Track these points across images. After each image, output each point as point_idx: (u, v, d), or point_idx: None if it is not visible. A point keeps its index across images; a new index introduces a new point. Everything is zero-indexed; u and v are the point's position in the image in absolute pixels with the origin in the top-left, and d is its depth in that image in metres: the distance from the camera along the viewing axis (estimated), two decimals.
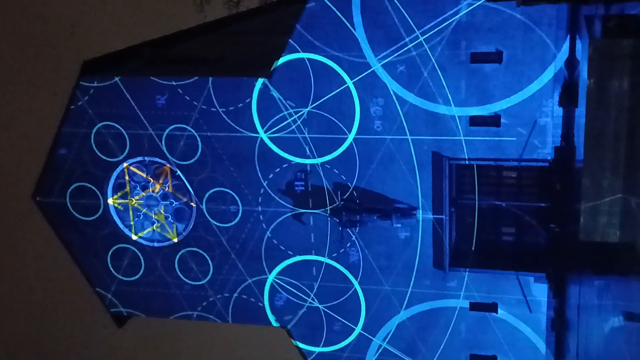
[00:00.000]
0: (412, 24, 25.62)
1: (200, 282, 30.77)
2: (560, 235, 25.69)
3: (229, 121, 28.13)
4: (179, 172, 29.37)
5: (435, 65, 25.82)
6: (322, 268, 29.24)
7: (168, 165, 29.36)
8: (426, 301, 28.51)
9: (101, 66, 29.70)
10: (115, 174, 29.96)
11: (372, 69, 26.46)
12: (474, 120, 26.11)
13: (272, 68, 27.31)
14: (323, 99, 27.19)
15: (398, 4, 25.57)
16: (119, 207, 30.49)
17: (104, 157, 29.79)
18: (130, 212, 30.46)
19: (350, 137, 27.36)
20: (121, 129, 29.18)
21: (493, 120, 25.92)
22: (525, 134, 25.67)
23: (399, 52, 26.05)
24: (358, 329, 29.60)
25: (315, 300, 29.71)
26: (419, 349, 29.12)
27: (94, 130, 29.42)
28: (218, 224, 29.73)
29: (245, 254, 29.83)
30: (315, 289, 29.60)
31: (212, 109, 28.14)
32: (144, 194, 30.13)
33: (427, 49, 25.73)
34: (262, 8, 33.16)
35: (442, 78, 25.90)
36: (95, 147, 29.68)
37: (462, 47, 25.49)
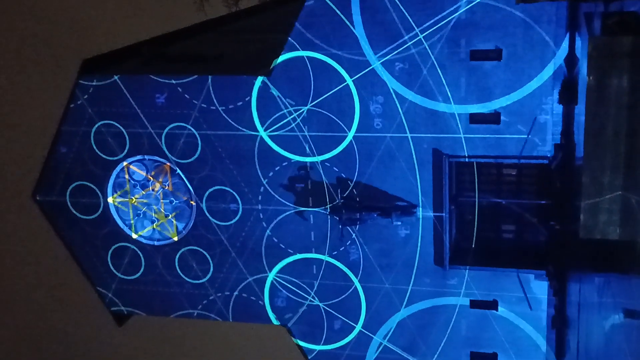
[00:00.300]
0: (411, 22, 25.62)
1: (201, 281, 30.79)
2: (560, 233, 25.70)
3: (228, 119, 28.13)
4: (178, 171, 29.37)
5: (435, 63, 25.81)
6: (323, 266, 29.25)
7: (168, 163, 29.37)
8: (426, 299, 28.52)
9: (101, 65, 29.69)
10: (115, 172, 29.96)
11: (371, 67, 26.45)
12: (474, 118, 26.11)
13: (271, 66, 27.30)
14: (323, 97, 27.18)
15: (397, 2, 25.56)
16: (119, 205, 30.50)
17: (104, 156, 29.79)
18: (130, 211, 30.47)
19: (350, 135, 27.36)
20: (121, 127, 29.18)
21: (493, 118, 25.92)
22: (525, 131, 25.67)
23: (399, 50, 26.04)
24: (358, 327, 29.62)
25: (316, 298, 29.74)
26: (420, 346, 29.15)
27: (94, 129, 29.42)
28: (218, 223, 29.74)
29: (245, 252, 29.85)
30: (315, 287, 29.62)
31: (211, 108, 28.14)
32: (143, 192, 30.14)
33: (427, 47, 25.73)
34: (261, 6, 33.22)
35: (441, 76, 25.90)
36: (95, 146, 29.67)
37: (462, 45, 25.48)
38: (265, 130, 28.00)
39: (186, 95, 28.20)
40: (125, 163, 29.76)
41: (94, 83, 28.81)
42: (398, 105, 26.62)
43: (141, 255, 31.07)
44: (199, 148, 28.78)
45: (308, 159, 28.07)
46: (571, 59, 24.35)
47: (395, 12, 25.67)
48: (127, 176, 29.98)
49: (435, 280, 28.19)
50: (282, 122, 27.76)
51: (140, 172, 29.81)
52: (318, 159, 27.97)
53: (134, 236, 30.82)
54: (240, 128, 28.18)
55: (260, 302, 30.41)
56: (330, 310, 29.77)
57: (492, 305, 27.83)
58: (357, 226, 28.38)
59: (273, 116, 27.78)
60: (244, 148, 28.42)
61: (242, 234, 29.65)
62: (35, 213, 31.28)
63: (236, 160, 28.66)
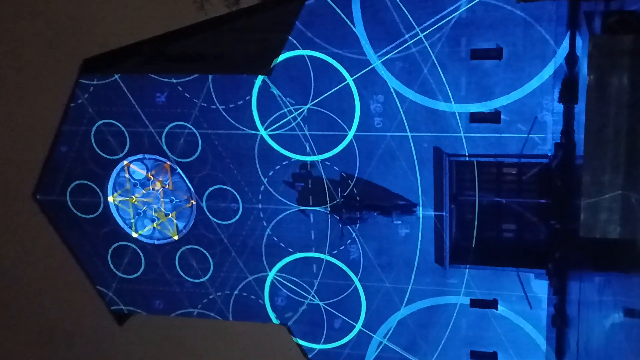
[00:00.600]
0: (412, 21, 25.62)
1: (201, 280, 30.80)
2: (560, 232, 25.69)
3: (229, 118, 28.13)
4: (179, 170, 29.38)
5: (435, 61, 25.81)
6: (323, 265, 29.26)
7: (168, 162, 29.37)
8: (426, 298, 28.53)
9: (101, 64, 29.69)
10: (115, 171, 29.97)
11: (372, 66, 26.45)
12: (474, 117, 26.12)
13: (272, 65, 27.31)
14: (323, 96, 27.19)
15: (398, 1, 25.56)
16: (120, 204, 30.50)
17: (104, 155, 29.79)
18: (131, 210, 30.47)
19: (351, 134, 27.36)
20: (121, 126, 29.18)
21: (493, 117, 25.93)
22: (525, 130, 25.67)
23: (399, 49, 26.04)
24: (358, 326, 29.62)
25: (316, 297, 29.74)
26: (420, 345, 29.15)
27: (94, 128, 29.42)
28: (218, 222, 29.74)
29: (245, 251, 29.86)
30: (315, 286, 29.62)
31: (212, 107, 28.14)
32: (144, 191, 30.14)
33: (427, 46, 25.73)
34: (261, 5, 33.15)
35: (442, 75, 25.90)
36: (96, 145, 29.68)
37: (462, 44, 25.48)
38: (265, 129, 28.00)
39: (186, 95, 28.20)
40: (125, 162, 29.76)
41: (94, 82, 28.81)
42: (398, 104, 26.62)
43: (141, 254, 31.08)
44: (199, 147, 28.78)
45: (308, 158, 28.07)
46: (572, 58, 24.36)
47: (395, 11, 25.67)
48: (127, 175, 29.98)
49: (436, 279, 28.20)
50: (282, 121, 27.77)
51: (140, 171, 29.82)
52: (318, 158, 27.97)
53: (134, 235, 30.83)
54: (241, 127, 28.18)
55: (260, 301, 30.42)
56: (331, 309, 29.77)
57: (492, 304, 27.84)
58: (358, 225, 28.39)
59: (273, 115, 27.78)
60: (245, 147, 28.42)
61: (242, 233, 29.66)
62: (35, 212, 31.30)
63: (236, 159, 28.67)
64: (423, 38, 25.69)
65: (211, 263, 30.41)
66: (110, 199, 30.46)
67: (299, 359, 31.54)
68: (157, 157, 29.38)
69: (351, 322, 29.69)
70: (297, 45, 26.88)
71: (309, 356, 30.73)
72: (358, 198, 28.02)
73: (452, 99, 26.06)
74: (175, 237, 30.48)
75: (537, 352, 27.92)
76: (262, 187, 28.80)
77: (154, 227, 30.59)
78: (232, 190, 29.14)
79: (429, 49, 25.73)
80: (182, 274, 30.92)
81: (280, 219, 29.09)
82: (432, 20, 25.45)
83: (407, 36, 25.83)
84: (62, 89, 30.22)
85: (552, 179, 25.80)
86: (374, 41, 26.18)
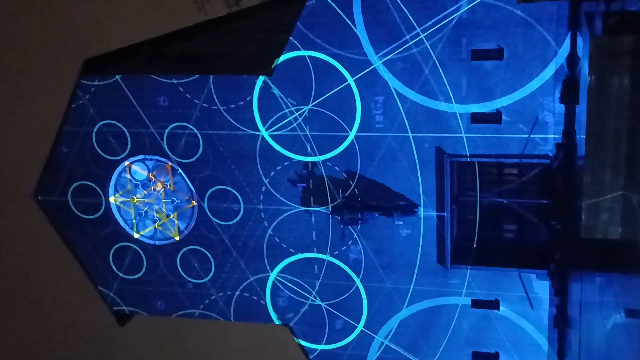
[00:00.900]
0: (412, 21, 25.61)
1: (202, 280, 30.80)
2: (561, 232, 25.68)
3: (230, 119, 28.14)
4: (180, 171, 29.39)
5: (436, 62, 25.81)
6: (324, 266, 29.26)
7: (169, 163, 29.38)
8: (428, 298, 28.52)
9: (102, 65, 29.71)
10: (116, 172, 29.98)
11: (373, 67, 26.45)
12: (475, 118, 26.11)
13: (273, 66, 27.31)
14: (324, 97, 27.19)
15: (399, 2, 25.56)
16: (121, 205, 30.52)
17: (106, 156, 29.81)
18: (132, 211, 30.49)
19: (352, 134, 27.36)
20: (122, 127, 29.20)
21: (494, 117, 25.92)
22: (526, 131, 25.66)
23: (400, 50, 26.04)
24: (360, 327, 29.62)
25: (317, 298, 29.74)
26: (421, 346, 29.15)
27: (95, 129, 29.43)
28: (220, 222, 29.75)
29: (247, 252, 29.86)
30: (317, 286, 29.63)
31: (213, 107, 28.15)
32: (145, 192, 30.16)
33: (428, 46, 25.72)
34: (262, 6, 33.20)
35: (443, 75, 25.89)
36: (97, 146, 29.70)
37: (463, 44, 25.48)
38: (266, 129, 28.01)
39: (187, 95, 28.21)
40: (126, 163, 29.77)
41: (95, 83, 28.83)
42: (399, 105, 26.61)
43: (143, 255, 31.10)
44: (201, 148, 28.79)
45: (309, 159, 28.07)
46: (572, 59, 24.34)
47: (396, 12, 25.67)
48: (128, 176, 30.00)
49: (437, 279, 28.19)
50: (283, 122, 27.77)
51: (141, 172, 29.84)
52: (319, 158, 27.97)
53: (136, 236, 30.84)
54: (242, 128, 28.19)
55: (262, 301, 30.43)
56: (332, 310, 29.77)
57: (494, 304, 27.83)
58: (359, 226, 28.38)
59: (274, 116, 27.79)
60: (246, 148, 28.43)
61: (243, 233, 29.66)
62: (36, 213, 31.31)
63: (238, 160, 28.68)
64: (424, 38, 25.69)
65: (212, 264, 30.41)
66: (111, 199, 30.47)
67: (301, 359, 31.56)
68: (159, 157, 29.39)
69: (353, 322, 29.69)
70: (298, 45, 26.89)
71: (311, 357, 30.74)
72: (359, 198, 28.02)
73: (453, 100, 26.05)
74: (177, 238, 30.49)
75: (538, 352, 27.90)
76: (264, 187, 28.81)
77: (155, 228, 30.60)
78: (233, 190, 29.15)
79: (430, 50, 25.73)
80: (183, 274, 30.93)
81: (282, 219, 29.10)
82: (433, 20, 25.44)
83: (408, 37, 25.83)
84: (63, 90, 30.25)
85: (553, 180, 25.79)
86: (375, 42, 26.18)
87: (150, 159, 29.55)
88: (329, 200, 28.36)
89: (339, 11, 26.20)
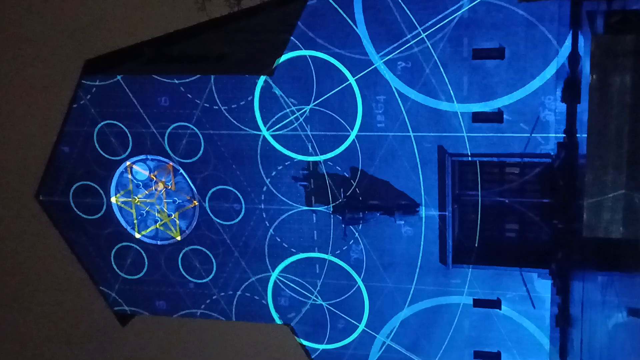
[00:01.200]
0: (414, 21, 25.61)
1: (204, 280, 30.81)
2: (563, 232, 25.68)
3: (231, 119, 28.14)
4: (181, 171, 29.39)
5: (438, 61, 25.80)
6: (325, 265, 29.26)
7: (171, 163, 29.39)
8: (429, 298, 28.52)
9: (103, 65, 29.72)
10: (118, 172, 29.99)
11: (374, 66, 26.44)
12: (477, 117, 26.10)
13: (274, 66, 27.31)
14: (325, 97, 27.18)
15: (400, 1, 25.55)
16: (122, 205, 30.52)
17: (107, 156, 29.82)
18: (133, 211, 30.49)
19: (353, 134, 27.35)
20: (124, 127, 29.21)
21: (495, 117, 25.90)
22: (528, 130, 25.65)
23: (401, 49, 26.04)
24: (361, 326, 29.62)
25: (319, 297, 29.74)
26: (423, 345, 29.15)
27: (97, 129, 29.45)
28: (221, 222, 29.76)
29: (248, 251, 29.87)
30: (318, 286, 29.63)
31: (214, 107, 28.15)
32: (146, 192, 30.17)
33: (429, 46, 25.72)
34: (263, 5, 33.17)
35: (444, 74, 25.88)
36: (98, 146, 29.71)
37: (464, 44, 25.47)
38: (267, 129, 28.01)
39: (189, 95, 28.22)
40: (128, 163, 29.78)
41: (96, 83, 28.84)
42: (400, 104, 26.61)
43: (144, 255, 31.11)
44: (202, 148, 28.80)
45: (311, 158, 28.07)
46: (574, 58, 24.33)
47: (397, 11, 25.66)
48: (130, 176, 30.01)
49: (439, 279, 28.19)
50: (284, 122, 27.78)
51: (143, 172, 29.84)
52: (321, 158, 27.97)
53: (137, 236, 30.85)
54: (243, 127, 28.19)
55: (263, 301, 30.43)
56: (334, 310, 29.78)
57: (496, 304, 27.82)
58: (360, 225, 28.38)
59: (276, 115, 27.79)
60: (247, 147, 28.44)
61: (245, 233, 29.67)
62: (38, 213, 31.36)
63: (239, 160, 28.68)
64: (425, 38, 25.68)
65: (214, 263, 30.42)
66: (113, 199, 30.48)
67: (302, 359, 31.56)
68: (160, 157, 29.40)
69: (354, 322, 29.69)
70: (299, 45, 26.89)
71: (312, 356, 30.74)
72: (361, 198, 28.01)
73: (454, 99, 26.05)
74: (178, 238, 30.50)
75: (540, 351, 27.90)
76: (265, 187, 28.81)
77: (156, 228, 30.62)
78: (234, 190, 29.15)
79: (431, 49, 25.72)
80: (185, 274, 30.94)
81: (283, 219, 29.10)
82: (434, 20, 25.43)
83: (409, 36, 25.82)
84: (65, 90, 30.32)
85: (555, 179, 25.78)
86: (376, 41, 26.18)
87: (152, 159, 29.56)
88: (331, 199, 28.36)
89: (340, 11, 26.20)
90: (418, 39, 25.75)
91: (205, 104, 28.17)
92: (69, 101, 29.32)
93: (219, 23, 33.07)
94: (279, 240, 29.42)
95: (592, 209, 17.48)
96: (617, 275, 17.87)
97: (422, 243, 27.94)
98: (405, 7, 25.56)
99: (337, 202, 28.29)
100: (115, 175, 30.08)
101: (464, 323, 28.47)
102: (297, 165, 28.25)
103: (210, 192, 29.42)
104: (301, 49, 26.93)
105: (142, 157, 29.56)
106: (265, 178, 28.67)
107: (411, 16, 25.59)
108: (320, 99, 27.23)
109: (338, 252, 28.96)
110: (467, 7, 25.04)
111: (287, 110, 27.61)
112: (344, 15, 26.20)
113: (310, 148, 27.92)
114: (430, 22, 25.49)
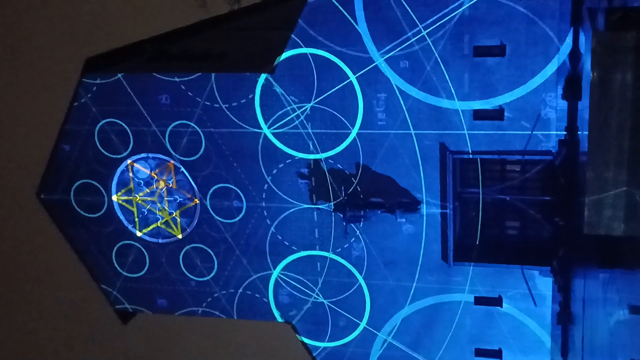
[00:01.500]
0: (414, 18, 25.59)
1: (205, 278, 30.82)
2: (564, 229, 25.68)
3: (232, 117, 28.13)
4: (182, 169, 29.39)
5: (438, 59, 25.78)
6: (327, 263, 29.26)
7: (172, 161, 29.39)
8: (431, 296, 28.52)
9: (104, 63, 29.71)
10: (119, 170, 30.00)
11: (375, 64, 26.43)
12: (478, 114, 26.08)
13: (274, 63, 27.30)
14: (326, 94, 27.17)
15: None
16: (123, 203, 30.53)
17: (108, 154, 29.83)
18: (135, 209, 30.50)
19: (354, 132, 27.35)
20: (124, 125, 29.21)
21: (497, 114, 25.89)
22: (529, 127, 25.64)
23: (402, 47, 26.02)
24: (363, 324, 29.63)
25: (320, 295, 29.75)
26: (424, 343, 29.15)
27: (97, 127, 29.45)
28: (222, 220, 29.76)
29: (249, 249, 29.87)
30: (319, 284, 29.63)
31: (215, 105, 28.15)
32: (148, 190, 30.17)
33: (430, 43, 25.70)
34: (264, 3, 33.16)
35: (445, 72, 25.86)
36: (99, 144, 29.71)
37: (465, 41, 25.44)
38: (268, 127, 28.00)
39: (189, 93, 28.21)
40: (129, 161, 29.79)
41: (97, 81, 28.83)
42: (401, 102, 26.59)
43: (146, 253, 31.12)
44: (203, 146, 28.79)
45: (312, 156, 28.06)
46: (575, 55, 24.31)
47: (398, 9, 25.64)
48: (131, 174, 30.01)
49: (440, 276, 28.19)
50: (285, 120, 27.77)
51: (144, 170, 29.84)
52: (322, 156, 27.96)
53: (139, 234, 30.87)
54: (244, 125, 28.18)
55: (264, 299, 30.45)
56: (335, 307, 29.78)
57: (497, 301, 27.82)
58: (361, 223, 28.38)
59: (276, 113, 27.78)
60: (248, 145, 28.43)
61: (246, 231, 29.67)
62: (39, 211, 31.35)
63: (240, 158, 28.68)
64: (426, 35, 25.66)
65: (215, 262, 30.43)
66: (114, 198, 30.49)
67: (304, 357, 31.57)
68: (161, 156, 29.40)
69: (355, 320, 29.70)
70: (300, 43, 26.87)
71: (314, 354, 30.76)
72: (362, 196, 28.01)
73: (455, 96, 26.03)
74: (179, 236, 30.51)
75: (542, 349, 27.90)
76: (266, 185, 28.81)
77: (158, 226, 30.62)
78: (235, 188, 29.15)
79: (432, 46, 25.70)
80: (186, 272, 30.95)
81: (284, 217, 29.10)
82: (435, 17, 25.41)
83: (409, 33, 25.80)
84: (65, 88, 30.29)
85: (556, 176, 25.77)
86: (377, 39, 26.16)
87: (153, 157, 29.56)
88: (332, 197, 28.36)
89: (341, 8, 26.18)
90: (419, 36, 25.73)
91: (206, 102, 28.17)
92: (69, 99, 29.31)
93: (219, 21, 33.08)
94: (280, 238, 29.43)
95: (594, 206, 17.47)
96: (618, 272, 17.88)
97: (423, 241, 27.94)
98: (405, 5, 25.54)
99: (339, 200, 28.29)
100: (116, 174, 30.09)
101: (465, 321, 28.47)
102: (298, 163, 28.25)
103: (212, 190, 29.42)
104: (302, 47, 26.91)
105: (143, 155, 29.55)
106: (266, 176, 28.67)
107: (412, 13, 25.57)
108: (321, 97, 27.21)
109: (339, 249, 28.96)
110: (468, 4, 25.01)
111: (288, 108, 27.60)
112: (345, 13, 26.18)
113: (311, 146, 27.91)
114: (431, 20, 25.47)
